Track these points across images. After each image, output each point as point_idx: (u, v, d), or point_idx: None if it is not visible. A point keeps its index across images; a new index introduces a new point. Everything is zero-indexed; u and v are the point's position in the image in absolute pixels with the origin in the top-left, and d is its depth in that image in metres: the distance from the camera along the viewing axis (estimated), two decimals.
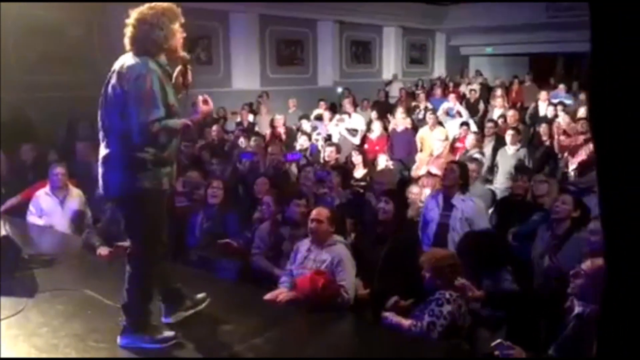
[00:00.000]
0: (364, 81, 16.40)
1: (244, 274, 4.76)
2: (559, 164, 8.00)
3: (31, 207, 5.70)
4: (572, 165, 7.09)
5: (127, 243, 4.72)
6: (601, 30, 1.26)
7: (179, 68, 3.17)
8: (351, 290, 3.94)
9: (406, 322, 3.46)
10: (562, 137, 8.50)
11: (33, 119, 8.43)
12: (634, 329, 1.27)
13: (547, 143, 8.72)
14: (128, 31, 3.00)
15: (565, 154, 7.76)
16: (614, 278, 1.32)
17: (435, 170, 7.12)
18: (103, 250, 4.87)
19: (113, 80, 2.98)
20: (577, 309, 3.04)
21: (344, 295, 3.85)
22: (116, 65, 3.02)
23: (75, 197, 5.82)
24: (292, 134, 9.86)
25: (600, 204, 1.35)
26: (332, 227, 4.12)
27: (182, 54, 3.13)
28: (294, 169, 7.41)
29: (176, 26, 3.04)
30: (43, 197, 5.71)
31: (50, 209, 5.67)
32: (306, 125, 9.92)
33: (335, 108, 12.36)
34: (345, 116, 10.27)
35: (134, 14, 2.99)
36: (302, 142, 8.53)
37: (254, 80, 14.11)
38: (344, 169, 7.08)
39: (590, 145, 7.15)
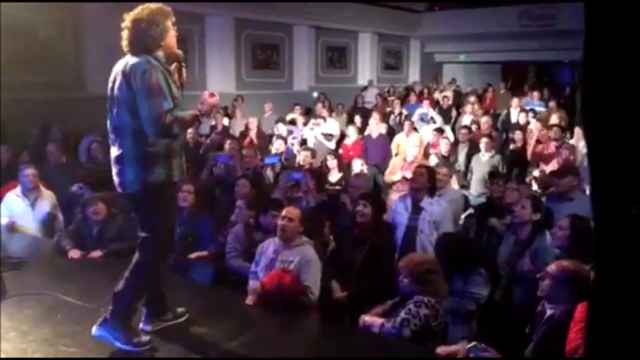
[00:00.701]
0: (339, 86, 16.46)
1: (219, 278, 4.73)
2: (527, 168, 8.12)
3: (2, 209, 5.56)
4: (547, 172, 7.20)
5: (99, 252, 4.72)
6: (596, 29, 1.26)
7: (174, 65, 3.25)
8: (316, 291, 3.93)
9: (379, 320, 3.46)
10: (535, 144, 8.64)
11: (4, 119, 8.24)
12: (623, 329, 1.28)
13: (519, 146, 8.86)
14: (125, 34, 3.10)
15: (540, 164, 7.88)
16: (605, 278, 1.32)
17: (409, 174, 7.17)
18: (74, 253, 4.79)
19: (118, 82, 3.07)
20: (548, 312, 3.09)
21: (309, 296, 3.85)
22: (117, 68, 3.12)
23: (47, 199, 5.72)
24: (265, 138, 9.84)
25: (592, 204, 1.36)
26: (302, 227, 4.11)
27: (177, 51, 3.24)
28: (268, 172, 7.40)
29: (169, 23, 3.16)
30: (13, 199, 5.59)
31: (21, 211, 5.55)
32: (282, 129, 9.90)
33: (310, 112, 12.36)
34: (320, 120, 10.28)
35: (129, 16, 3.10)
36: (277, 145, 8.51)
37: (230, 83, 14.04)
38: (319, 172, 7.09)
39: (564, 152, 7.31)
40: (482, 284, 3.95)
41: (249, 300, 3.90)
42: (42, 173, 5.89)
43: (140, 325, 3.37)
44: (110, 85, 3.14)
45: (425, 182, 5.01)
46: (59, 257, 4.83)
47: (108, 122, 3.17)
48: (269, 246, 4.16)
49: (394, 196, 6.63)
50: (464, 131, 9.01)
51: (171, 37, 3.17)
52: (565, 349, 2.70)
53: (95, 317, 3.27)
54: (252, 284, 4.08)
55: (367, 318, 3.53)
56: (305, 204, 5.77)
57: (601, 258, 1.33)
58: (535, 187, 7.31)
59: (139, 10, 3.11)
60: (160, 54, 3.12)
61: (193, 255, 4.92)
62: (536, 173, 7.62)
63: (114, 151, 3.15)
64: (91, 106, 10.36)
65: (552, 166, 7.28)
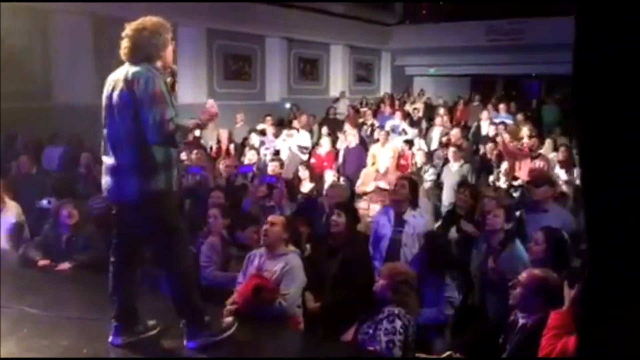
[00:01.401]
0: (311, 98, 16.50)
1: None
2: (493, 171, 8.26)
3: None
4: (518, 181, 7.35)
5: (67, 265, 4.60)
6: (587, 26, 1.26)
7: (168, 79, 3.24)
8: (291, 300, 3.87)
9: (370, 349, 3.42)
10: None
11: None
12: (617, 331, 1.28)
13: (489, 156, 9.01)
14: (125, 42, 3.11)
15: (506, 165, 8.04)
16: (598, 280, 1.32)
17: (383, 184, 7.21)
18: (44, 264, 4.67)
19: (118, 90, 3.04)
20: (521, 321, 3.11)
21: (279, 305, 3.78)
22: (116, 76, 3.10)
23: (11, 209, 5.57)
24: (236, 148, 9.81)
25: (585, 207, 1.36)
26: (286, 234, 4.07)
27: (173, 65, 3.29)
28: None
29: (169, 37, 3.20)
30: None
31: None
32: (255, 139, 9.87)
33: (282, 124, 12.35)
34: (294, 132, 10.28)
35: (131, 25, 3.13)
36: (250, 156, 8.47)
37: (201, 94, 13.92)
38: (290, 181, 7.11)
39: (538, 163, 7.46)
40: (455, 288, 4.00)
41: (226, 312, 3.79)
42: (9, 184, 5.74)
43: (110, 338, 3.29)
44: (107, 93, 3.11)
45: (407, 193, 4.99)
46: (25, 269, 4.70)
47: (105, 131, 3.14)
48: (256, 256, 4.11)
49: (363, 204, 6.65)
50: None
51: (170, 51, 3.20)
52: (538, 355, 2.72)
53: (63, 329, 3.19)
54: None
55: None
56: (279, 212, 5.74)
57: (594, 259, 1.33)
58: (503, 180, 7.49)
59: (142, 20, 3.14)
60: (158, 64, 3.13)
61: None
62: (504, 165, 7.79)
63: (110, 160, 3.12)
64: (57, 116, 10.28)
65: (525, 171, 7.42)
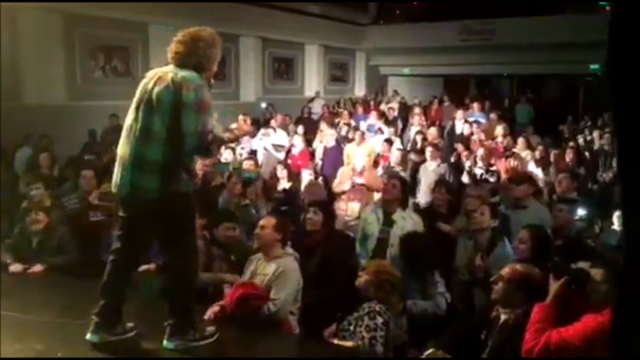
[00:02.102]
0: (286, 97, 16.44)
1: None
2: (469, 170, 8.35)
3: None
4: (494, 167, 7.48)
5: (39, 267, 4.48)
6: (625, 11, 1.22)
7: None
8: (281, 305, 3.75)
9: (350, 344, 3.38)
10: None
11: None
12: None
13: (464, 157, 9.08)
14: (180, 47, 3.14)
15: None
16: (634, 279, 1.28)
17: (360, 180, 7.23)
18: (15, 268, 4.54)
19: (161, 87, 3.04)
20: (503, 317, 3.12)
21: (266, 309, 3.68)
22: (162, 74, 3.10)
23: None
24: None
25: (624, 209, 1.32)
26: (279, 235, 3.95)
27: (212, 80, 3.29)
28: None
29: (220, 52, 3.26)
30: None
31: None
32: None
33: (258, 123, 12.27)
34: (270, 131, 10.23)
35: (188, 32, 3.18)
36: (226, 155, 8.39)
37: None
38: (267, 180, 7.09)
39: (511, 162, 7.54)
40: (444, 286, 4.00)
41: (209, 314, 3.72)
42: None
43: (87, 335, 3.22)
44: (146, 87, 3.10)
45: (398, 193, 4.95)
46: None
47: (130, 124, 3.10)
48: (253, 260, 4.03)
49: (342, 205, 6.64)
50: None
51: (215, 65, 3.26)
52: (521, 349, 2.72)
53: (36, 333, 3.09)
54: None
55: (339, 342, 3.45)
56: (255, 212, 5.69)
57: (633, 262, 1.28)
58: (480, 164, 7.59)
59: (199, 29, 3.20)
60: (204, 75, 3.15)
61: (141, 269, 4.72)
62: (480, 151, 7.89)
63: (131, 153, 3.07)
64: (27, 116, 10.05)
65: (500, 168, 7.53)
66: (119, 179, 3.13)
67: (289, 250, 4.04)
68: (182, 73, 3.05)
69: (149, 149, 3.03)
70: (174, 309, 3.21)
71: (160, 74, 3.10)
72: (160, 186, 3.03)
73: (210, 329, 3.38)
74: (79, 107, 11.43)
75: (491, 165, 7.77)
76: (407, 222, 4.86)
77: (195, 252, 3.33)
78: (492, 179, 7.16)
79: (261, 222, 4.05)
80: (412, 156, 8.76)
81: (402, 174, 7.63)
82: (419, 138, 10.32)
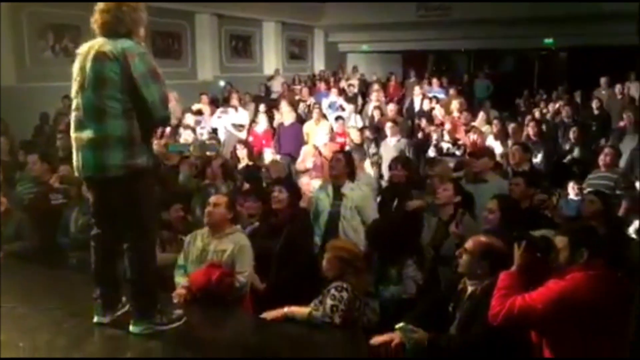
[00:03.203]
0: (245, 75, 16.21)
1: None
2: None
3: None
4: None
5: None
6: None
7: None
8: (247, 279, 3.85)
9: (305, 309, 3.44)
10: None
11: None
12: None
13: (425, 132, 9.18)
14: (105, 16, 3.00)
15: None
16: None
17: (320, 159, 7.26)
18: None
19: (101, 62, 2.93)
20: (470, 289, 3.18)
21: (237, 284, 3.75)
22: (97, 47, 2.96)
23: None
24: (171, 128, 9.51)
25: None
26: (230, 214, 3.98)
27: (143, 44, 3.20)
28: None
29: (145, 14, 3.13)
30: None
31: None
32: (190, 119, 9.60)
33: (217, 102, 12.08)
34: (231, 110, 10.09)
35: (106, 2, 3.03)
36: (185, 136, 8.24)
37: None
38: (226, 160, 7.00)
39: (471, 136, 7.68)
40: (416, 269, 4.03)
41: (176, 296, 3.69)
42: None
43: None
44: (84, 64, 2.98)
45: (344, 166, 4.95)
46: None
47: (78, 104, 3.02)
48: (197, 237, 4.00)
49: (304, 180, 6.64)
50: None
51: (143, 29, 3.14)
52: (488, 314, 2.78)
53: None
54: (180, 279, 3.92)
55: (292, 308, 3.50)
56: (214, 191, 5.62)
57: None
58: (447, 138, 7.73)
59: None
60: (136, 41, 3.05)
61: None
62: (447, 126, 8.02)
63: (88, 134, 2.97)
64: None
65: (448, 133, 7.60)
66: (81, 161, 3.04)
67: (238, 226, 4.09)
68: (122, 43, 2.94)
69: (107, 126, 2.95)
70: (139, 290, 3.16)
71: (96, 49, 2.97)
72: (125, 162, 2.96)
73: (178, 312, 3.33)
74: (30, 89, 11.02)
75: (457, 139, 7.87)
76: (355, 192, 4.90)
77: (155, 232, 3.30)
78: (458, 152, 7.25)
79: (212, 199, 4.05)
80: (367, 133, 8.80)
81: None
82: (376, 114, 10.39)
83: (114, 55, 2.91)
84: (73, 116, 3.08)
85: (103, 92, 2.94)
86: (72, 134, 3.09)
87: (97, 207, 3.23)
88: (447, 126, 8.11)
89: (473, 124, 8.89)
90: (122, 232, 3.17)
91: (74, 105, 3.07)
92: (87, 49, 3.02)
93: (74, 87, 3.05)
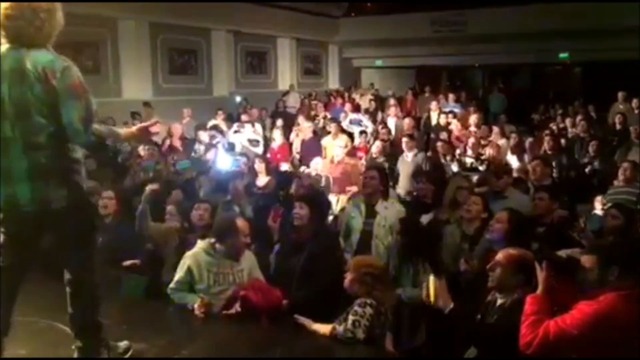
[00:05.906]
0: (260, 91, 16.35)
1: (151, 290, 4.46)
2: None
3: None
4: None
5: None
6: None
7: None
8: None
9: (328, 326, 3.41)
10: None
11: None
12: None
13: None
14: (19, 22, 2.52)
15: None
16: None
17: (335, 174, 7.22)
18: None
19: (22, 85, 2.52)
20: (499, 301, 3.12)
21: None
22: (12, 64, 2.53)
23: None
24: (187, 143, 9.55)
25: None
26: (248, 239, 4.04)
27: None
28: None
29: (61, 13, 2.66)
30: None
31: None
32: (204, 135, 9.62)
33: (232, 118, 12.13)
34: (247, 125, 10.13)
35: (11, 3, 2.53)
36: (200, 152, 8.27)
37: (146, 89, 13.53)
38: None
39: (488, 151, 7.62)
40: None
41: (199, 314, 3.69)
42: None
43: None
44: None
45: (378, 184, 4.82)
46: None
47: (6, 132, 2.56)
48: (200, 260, 3.92)
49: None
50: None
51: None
52: (519, 343, 2.70)
53: None
54: (189, 298, 3.85)
55: (315, 325, 3.49)
56: (239, 210, 5.58)
57: None
58: (470, 153, 7.69)
59: None
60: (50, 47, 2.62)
61: (127, 263, 4.62)
62: (471, 140, 8.05)
63: (24, 164, 2.57)
64: None
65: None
66: (17, 194, 2.61)
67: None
68: (39, 57, 2.52)
69: (36, 155, 2.58)
70: (82, 327, 2.83)
71: (8, 65, 2.53)
72: (67, 192, 2.63)
73: (123, 344, 3.03)
74: None
75: (481, 154, 7.81)
76: (389, 211, 4.74)
77: (95, 262, 2.87)
78: (481, 167, 7.19)
79: (241, 226, 4.00)
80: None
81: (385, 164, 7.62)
82: (392, 129, 10.38)
83: (31, 73, 2.50)
84: None
85: (27, 117, 2.53)
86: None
87: (16, 243, 2.75)
88: (471, 140, 8.05)
89: (490, 138, 8.84)
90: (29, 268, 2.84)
91: None
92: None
93: None
